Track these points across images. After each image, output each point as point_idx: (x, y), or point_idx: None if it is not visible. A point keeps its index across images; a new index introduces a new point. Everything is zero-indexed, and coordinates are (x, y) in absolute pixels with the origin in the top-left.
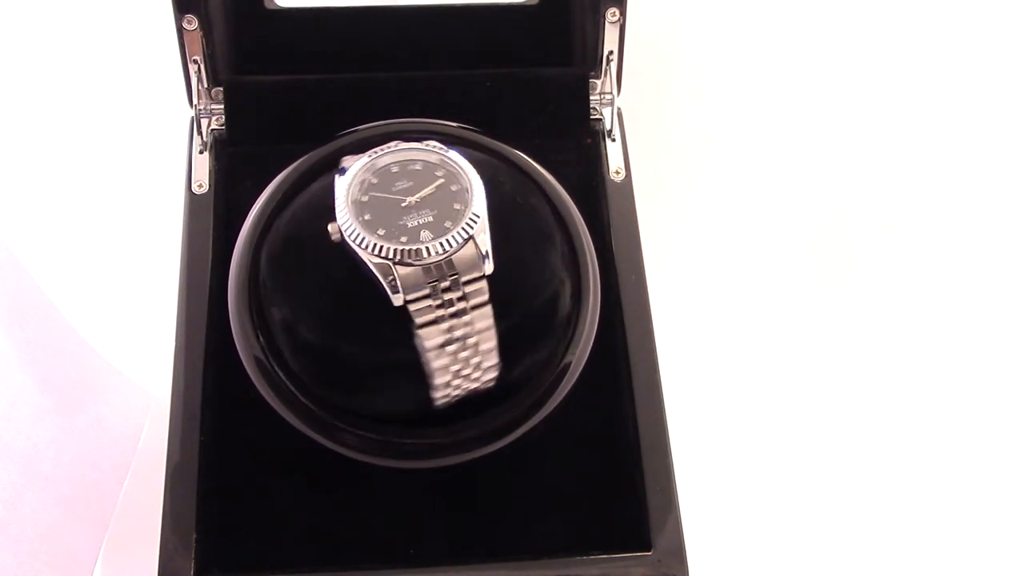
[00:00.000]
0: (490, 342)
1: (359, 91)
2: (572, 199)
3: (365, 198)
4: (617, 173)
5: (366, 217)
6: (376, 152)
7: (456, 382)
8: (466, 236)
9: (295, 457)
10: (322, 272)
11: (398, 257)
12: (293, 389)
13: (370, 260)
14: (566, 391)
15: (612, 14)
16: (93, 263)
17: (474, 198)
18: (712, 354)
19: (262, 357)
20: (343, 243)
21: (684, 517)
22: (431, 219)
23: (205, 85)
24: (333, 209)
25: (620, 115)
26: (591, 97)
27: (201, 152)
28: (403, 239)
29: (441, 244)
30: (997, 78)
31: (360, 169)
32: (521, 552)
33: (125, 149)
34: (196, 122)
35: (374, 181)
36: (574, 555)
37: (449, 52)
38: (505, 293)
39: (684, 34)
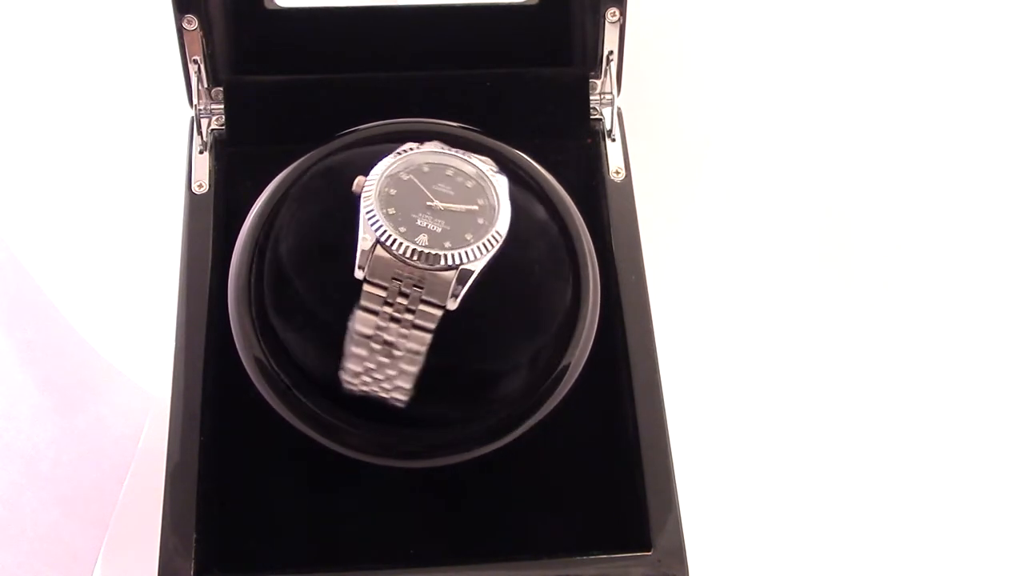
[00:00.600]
0: (412, 367)
1: (359, 91)
2: (572, 199)
3: (405, 177)
4: (617, 173)
5: (391, 192)
6: (451, 150)
7: (365, 378)
8: (452, 264)
9: (295, 457)
10: (330, 209)
11: (385, 240)
12: (293, 389)
13: (363, 227)
14: (565, 391)
15: (612, 14)
16: (93, 263)
17: (486, 239)
18: (712, 354)
19: (262, 357)
20: (357, 199)
21: (684, 517)
22: (439, 230)
23: (205, 85)
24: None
25: (620, 115)
26: (591, 97)
27: (201, 152)
28: (401, 228)
29: (426, 254)
30: (998, 77)
31: (422, 153)
32: (521, 552)
33: (125, 149)
34: (196, 122)
35: (425, 170)
36: (574, 555)
37: (449, 52)
38: (455, 340)
39: (684, 34)
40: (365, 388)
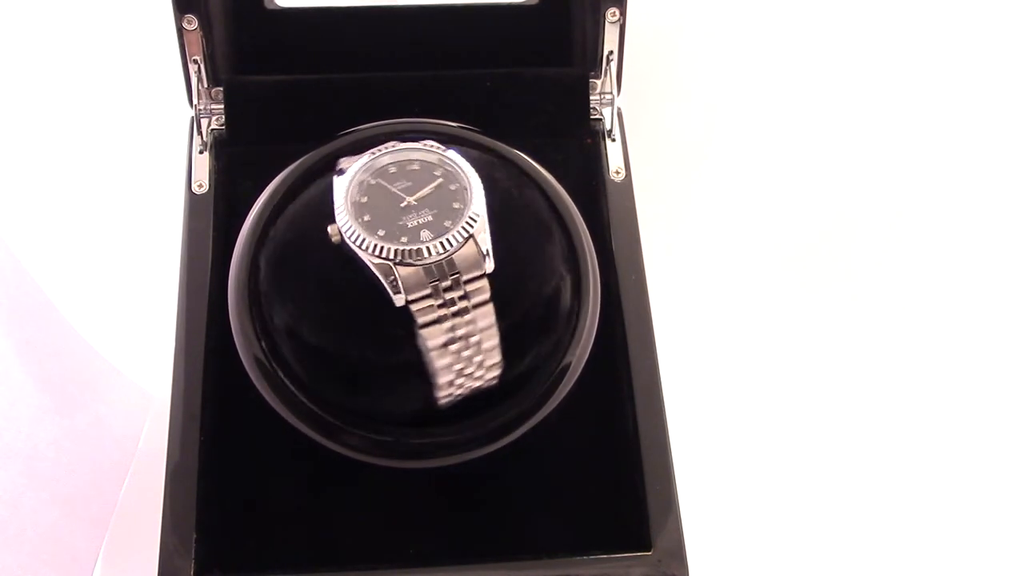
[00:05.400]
0: (492, 340)
1: (359, 91)
2: (572, 199)
3: (364, 199)
4: (617, 173)
5: (366, 218)
6: (374, 153)
7: (459, 381)
8: (466, 235)
9: (295, 457)
10: (322, 274)
11: (399, 257)
12: (294, 389)
13: (371, 261)
14: (566, 391)
15: (612, 14)
16: (93, 263)
17: (473, 197)
18: (712, 354)
19: (262, 357)
20: (343, 245)
21: (684, 517)
22: (431, 218)
23: (205, 85)
24: (332, 211)
25: (620, 115)
26: (591, 97)
27: (201, 152)
28: (403, 239)
29: (442, 243)
30: (996, 79)
31: (359, 170)
32: (521, 552)
33: (125, 149)
34: (196, 122)
35: (372, 182)
36: (574, 555)
37: (449, 52)
38: (506, 290)
39: (684, 34)
40: (460, 391)
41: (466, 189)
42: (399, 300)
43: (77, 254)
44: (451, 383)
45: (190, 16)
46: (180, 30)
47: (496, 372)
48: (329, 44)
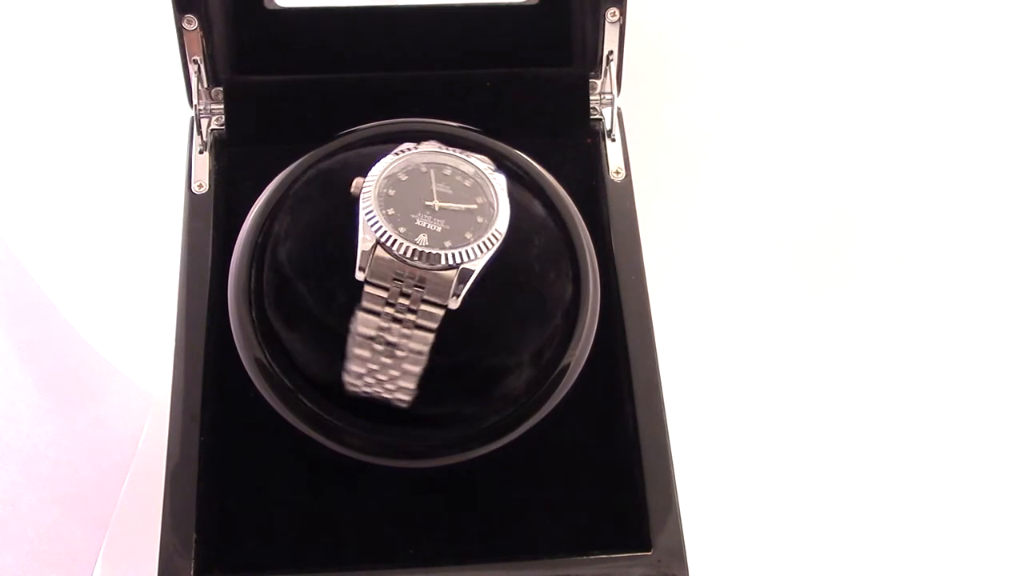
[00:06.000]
0: (415, 366)
1: (359, 91)
2: (572, 199)
3: (403, 177)
4: (617, 173)
5: (390, 192)
6: (449, 150)
7: (369, 379)
8: (453, 263)
9: (295, 457)
10: (329, 212)
11: (385, 241)
12: (293, 389)
13: (363, 228)
14: (565, 391)
15: (612, 14)
16: (93, 263)
17: (486, 237)
18: (712, 354)
19: (262, 357)
20: (356, 201)
21: (684, 517)
22: (439, 230)
23: (205, 85)
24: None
25: (620, 115)
26: (591, 97)
27: (201, 152)
28: (402, 229)
29: (426, 254)
30: (996, 80)
31: (420, 152)
32: (521, 552)
33: (125, 149)
34: (196, 122)
35: (423, 169)
36: (574, 555)
37: (449, 52)
38: (457, 338)
39: (684, 34)
40: (368, 390)
41: (487, 227)
42: (359, 274)
43: (77, 254)
44: (360, 376)
45: (190, 16)
46: (180, 30)
47: (406, 397)
48: (329, 44)
